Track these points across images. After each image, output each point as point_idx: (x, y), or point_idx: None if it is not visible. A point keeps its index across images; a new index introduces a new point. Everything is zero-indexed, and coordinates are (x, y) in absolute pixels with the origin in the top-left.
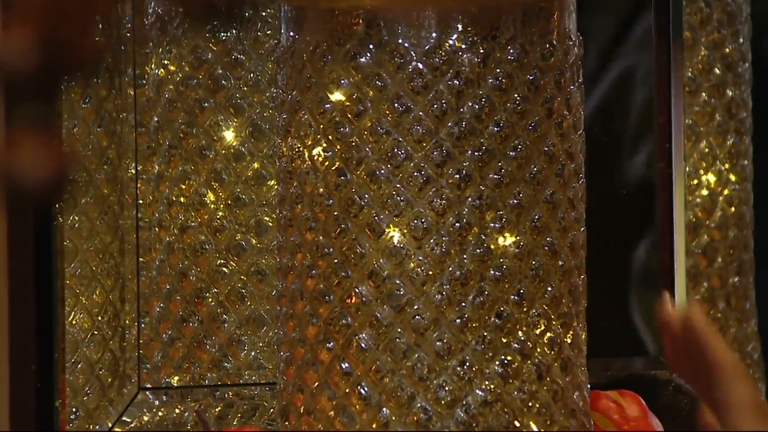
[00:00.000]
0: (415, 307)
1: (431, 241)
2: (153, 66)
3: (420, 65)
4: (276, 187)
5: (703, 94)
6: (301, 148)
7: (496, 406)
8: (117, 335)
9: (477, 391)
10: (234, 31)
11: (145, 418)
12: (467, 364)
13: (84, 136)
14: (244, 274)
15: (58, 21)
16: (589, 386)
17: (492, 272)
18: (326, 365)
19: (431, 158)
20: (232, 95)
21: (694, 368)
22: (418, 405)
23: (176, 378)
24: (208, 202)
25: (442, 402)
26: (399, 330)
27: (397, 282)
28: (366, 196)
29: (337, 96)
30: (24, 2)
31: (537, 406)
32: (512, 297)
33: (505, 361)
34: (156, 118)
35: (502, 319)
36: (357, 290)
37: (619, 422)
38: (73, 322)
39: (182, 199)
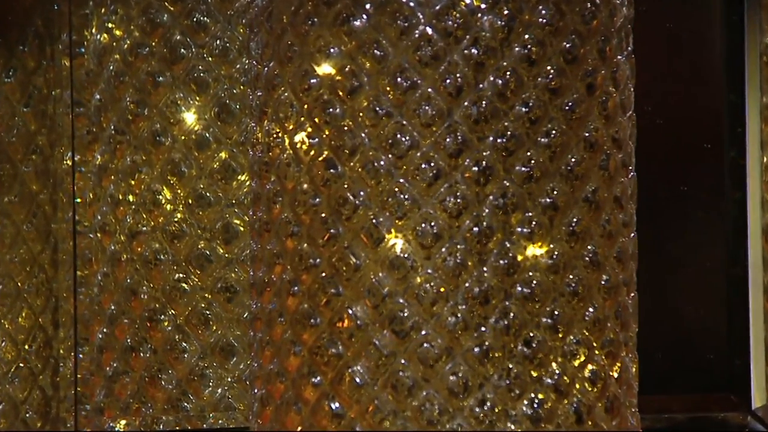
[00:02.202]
0: (423, 332)
1: (443, 250)
2: (94, 30)
3: (429, 30)
4: (249, 182)
5: None
6: (280, 134)
7: None
8: (48, 368)
9: None
10: None
11: None
12: (488, 403)
13: (7, 119)
14: (208, 292)
15: None
16: (641, 431)
17: (519, 289)
18: (312, 405)
19: (443, 147)
20: (193, 67)
21: None
22: None
23: (123, 422)
24: (164, 201)
25: None
26: (403, 361)
27: (401, 301)
28: (361, 193)
29: (325, 68)
30: None
31: None
32: (544, 320)
33: (536, 400)
34: (98, 96)
35: (531, 348)
36: (350, 311)
37: None
38: None
39: (131, 198)
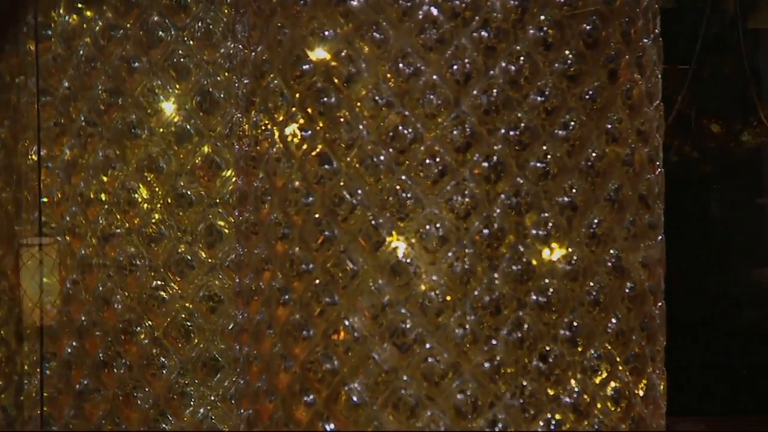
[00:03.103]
0: (428, 345)
1: (449, 254)
2: (62, 11)
3: (434, 11)
4: (234, 179)
5: None
6: (269, 126)
7: None
8: (11, 386)
9: None
10: None
11: None
12: (500, 424)
13: None
14: (189, 301)
15: None
16: None
17: (533, 297)
18: (304, 426)
19: (449, 140)
20: (172, 52)
21: None
22: None
23: None
24: (140, 200)
25: None
26: (405, 377)
27: (403, 311)
28: (359, 192)
29: (318, 53)
30: None
31: None
32: (561, 332)
33: (553, 421)
34: (67, 84)
35: (547, 363)
36: (347, 322)
37: None
38: None
39: (103, 197)
